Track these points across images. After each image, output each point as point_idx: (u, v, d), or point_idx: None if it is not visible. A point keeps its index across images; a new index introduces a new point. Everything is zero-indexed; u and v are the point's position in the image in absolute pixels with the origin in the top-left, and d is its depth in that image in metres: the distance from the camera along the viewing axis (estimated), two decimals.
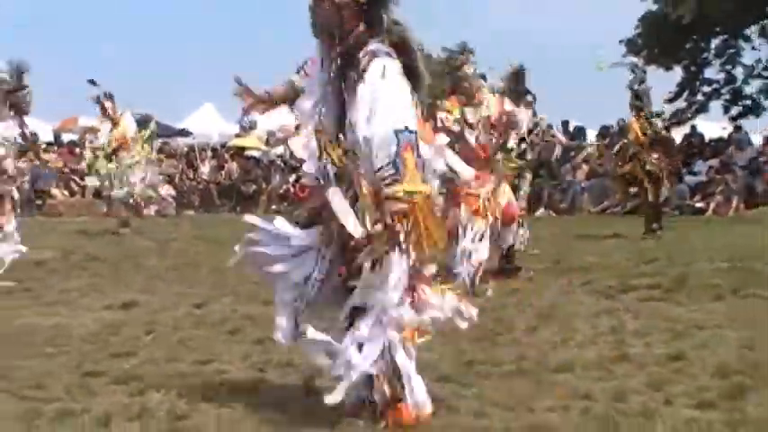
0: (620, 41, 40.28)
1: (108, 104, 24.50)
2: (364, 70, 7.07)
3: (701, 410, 7.35)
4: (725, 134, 36.35)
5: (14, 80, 15.10)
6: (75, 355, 9.65)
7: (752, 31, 38.64)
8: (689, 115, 38.80)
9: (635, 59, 17.85)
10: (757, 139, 35.22)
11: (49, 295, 13.95)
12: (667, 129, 22.20)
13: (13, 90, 15.04)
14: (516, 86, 16.07)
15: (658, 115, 21.31)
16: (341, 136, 7.23)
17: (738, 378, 8.18)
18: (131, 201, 24.01)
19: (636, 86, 18.33)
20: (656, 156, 20.51)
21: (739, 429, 6.86)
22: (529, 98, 16.88)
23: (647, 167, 20.42)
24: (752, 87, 38.80)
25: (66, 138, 38.01)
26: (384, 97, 6.95)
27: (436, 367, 8.81)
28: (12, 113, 15.30)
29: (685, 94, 39.43)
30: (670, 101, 37.00)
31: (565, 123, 35.41)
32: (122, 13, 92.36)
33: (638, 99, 19.50)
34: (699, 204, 29.36)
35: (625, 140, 21.14)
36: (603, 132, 34.87)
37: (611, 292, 12.97)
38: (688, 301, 12.32)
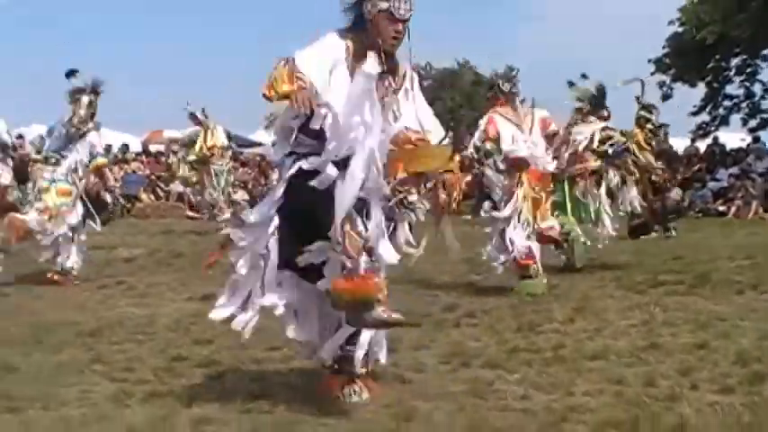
0: (649, 60, 40.14)
1: (201, 116, 24.82)
2: None
3: (723, 394, 7.32)
4: (744, 144, 36.19)
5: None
6: (162, 342, 9.72)
7: None
8: (712, 128, 38.73)
9: (642, 77, 17.33)
10: None
11: (138, 288, 14.03)
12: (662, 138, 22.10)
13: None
14: (597, 102, 16.35)
15: (662, 126, 21.15)
16: None
17: (757, 365, 8.16)
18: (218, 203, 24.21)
19: (644, 99, 18.07)
20: (659, 167, 20.43)
21: (758, 412, 6.78)
22: (605, 113, 16.73)
23: (652, 178, 20.31)
24: None
25: (152, 148, 38.12)
26: None
27: (483, 354, 8.81)
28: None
29: (708, 108, 39.20)
30: (694, 114, 36.94)
31: None
32: (202, 31, 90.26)
33: (647, 110, 19.20)
34: (721, 208, 29.18)
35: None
36: None
37: (640, 287, 12.89)
38: (711, 295, 12.26)
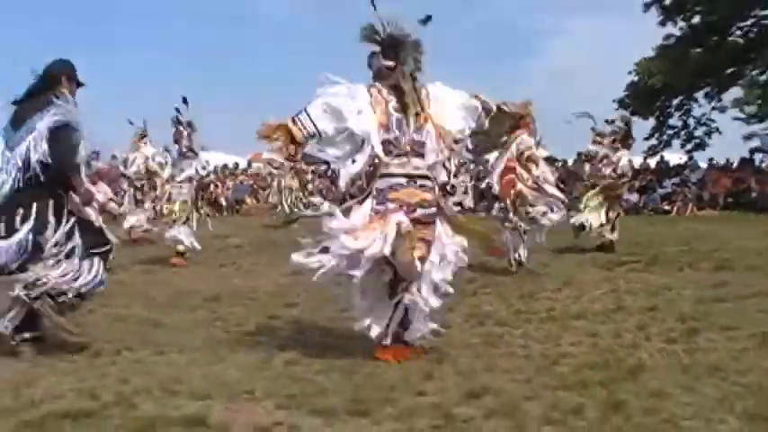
0: (613, 100, 40.37)
1: None
2: None
3: (669, 343, 7.36)
4: (682, 161, 36.44)
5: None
6: (262, 305, 9.75)
7: (699, 94, 38.68)
8: (659, 149, 38.67)
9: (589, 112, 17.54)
10: (703, 165, 35.34)
11: (245, 266, 14.09)
12: None
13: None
14: (627, 131, 16.51)
15: None
16: None
17: (693, 322, 8.21)
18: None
19: (597, 128, 18.21)
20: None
21: (695, 355, 6.85)
22: (630, 141, 16.77)
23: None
24: (699, 131, 38.65)
25: (254, 165, 38.15)
26: None
27: (494, 315, 8.82)
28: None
29: (656, 135, 39.09)
30: (646, 139, 37.05)
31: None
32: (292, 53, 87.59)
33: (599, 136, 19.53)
34: (666, 207, 29.03)
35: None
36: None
37: (609, 265, 12.86)
38: (660, 271, 12.23)
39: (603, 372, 6.33)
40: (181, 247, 14.57)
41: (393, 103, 7.00)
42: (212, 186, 33.20)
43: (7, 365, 6.87)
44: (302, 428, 5.16)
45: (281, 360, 6.93)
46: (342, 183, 7.29)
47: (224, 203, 33.04)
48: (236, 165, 37.41)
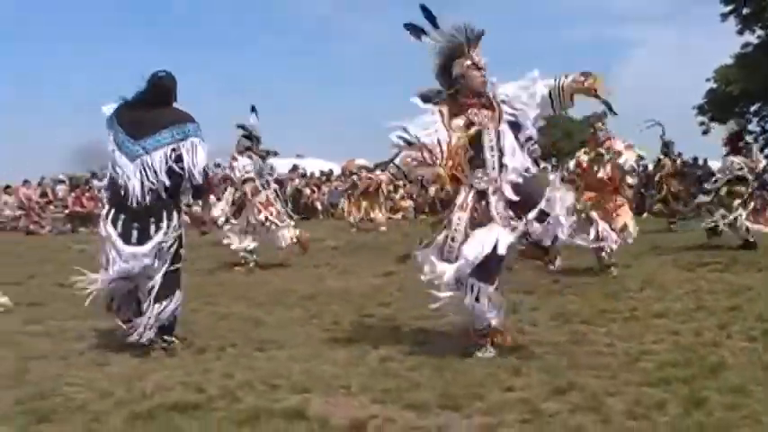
0: (693, 107, 40.03)
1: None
2: None
3: (749, 342, 7.27)
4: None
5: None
6: (356, 304, 9.79)
7: None
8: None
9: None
10: None
11: (339, 267, 14.16)
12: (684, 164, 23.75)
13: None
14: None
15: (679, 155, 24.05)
16: None
17: None
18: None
19: (665, 138, 18.49)
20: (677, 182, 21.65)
21: None
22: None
23: (672, 189, 21.46)
24: None
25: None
26: None
27: (579, 314, 8.75)
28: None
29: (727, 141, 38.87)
30: (725, 144, 36.49)
31: None
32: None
33: (666, 147, 19.62)
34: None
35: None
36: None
37: (690, 266, 12.67)
38: (740, 271, 12.01)
39: (685, 369, 6.26)
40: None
41: None
42: (308, 191, 33.50)
43: (120, 361, 7.03)
44: (396, 422, 5.19)
45: (376, 357, 6.98)
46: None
47: (319, 208, 33.26)
48: (331, 171, 37.61)
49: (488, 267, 6.81)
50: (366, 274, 12.78)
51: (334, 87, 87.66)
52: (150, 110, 7.33)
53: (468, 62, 7.11)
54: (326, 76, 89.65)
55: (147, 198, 7.19)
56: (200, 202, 7.95)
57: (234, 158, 14.65)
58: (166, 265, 7.29)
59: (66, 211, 28.69)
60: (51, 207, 29.65)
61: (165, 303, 7.30)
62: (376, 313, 9.18)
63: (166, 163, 7.18)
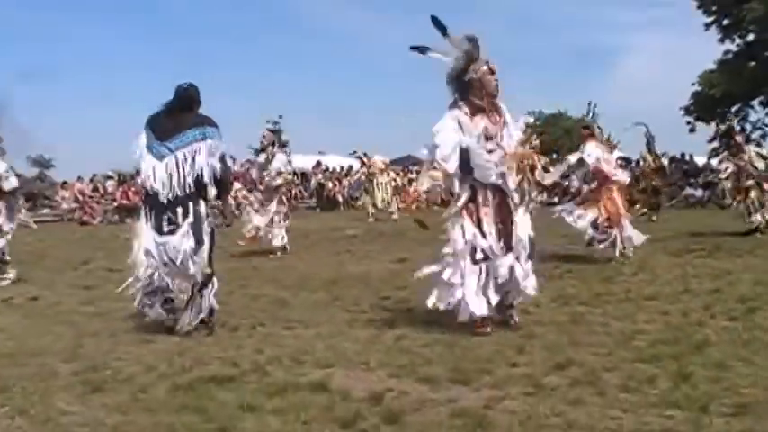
0: (680, 108, 40.12)
1: (364, 159, 26.93)
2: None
3: (731, 321, 7.21)
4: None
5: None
6: (374, 287, 9.77)
7: (755, 102, 38.56)
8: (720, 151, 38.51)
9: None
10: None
11: (358, 254, 14.14)
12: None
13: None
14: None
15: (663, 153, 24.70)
16: None
17: (752, 303, 8.00)
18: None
19: (648, 135, 18.98)
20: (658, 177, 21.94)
21: (753, 331, 6.68)
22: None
23: (653, 183, 21.62)
24: (755, 134, 38.20)
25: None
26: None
27: (577, 296, 8.71)
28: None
29: (717, 139, 38.72)
30: (709, 142, 36.68)
31: None
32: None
33: (649, 144, 20.21)
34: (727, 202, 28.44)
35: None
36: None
37: (678, 253, 12.58)
38: (722, 257, 11.96)
39: (674, 346, 6.19)
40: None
41: None
42: (330, 185, 33.51)
43: (163, 338, 7.05)
44: (411, 394, 5.14)
45: (392, 335, 6.94)
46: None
47: (340, 200, 33.25)
48: (351, 167, 37.57)
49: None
50: (383, 260, 12.76)
51: (354, 88, 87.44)
52: (177, 116, 7.47)
53: (485, 67, 7.12)
54: (346, 77, 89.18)
55: (174, 192, 7.27)
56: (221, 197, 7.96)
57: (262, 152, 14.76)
58: (204, 256, 7.33)
59: (115, 204, 28.84)
60: (102, 200, 29.77)
61: (204, 293, 7.41)
62: (392, 296, 9.12)
63: (189, 161, 7.28)
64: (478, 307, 6.91)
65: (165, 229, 7.27)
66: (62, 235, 21.43)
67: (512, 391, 5.14)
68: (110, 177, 31.58)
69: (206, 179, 7.33)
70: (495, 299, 7.04)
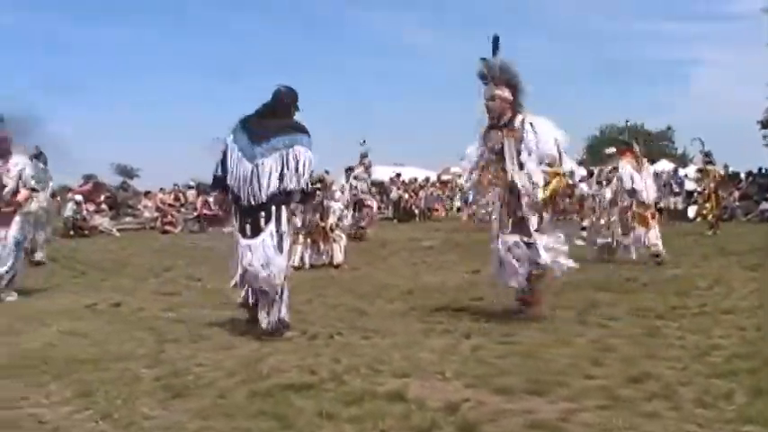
0: (757, 122, 39.65)
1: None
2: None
3: None
4: None
5: None
6: (449, 298, 9.77)
7: None
8: None
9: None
10: None
11: (434, 264, 14.17)
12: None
13: None
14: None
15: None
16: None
17: None
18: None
19: (704, 150, 19.60)
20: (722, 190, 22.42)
21: None
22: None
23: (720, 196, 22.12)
24: None
25: (443, 177, 38.08)
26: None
27: (654, 309, 8.61)
28: None
29: None
30: None
31: None
32: None
33: (708, 156, 20.77)
34: None
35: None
36: None
37: (754, 267, 12.39)
38: None
39: (750, 361, 6.10)
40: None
41: None
42: (407, 196, 33.54)
43: (242, 345, 7.16)
44: (487, 405, 5.15)
45: (468, 345, 6.95)
46: None
47: (416, 211, 33.24)
48: (428, 178, 37.57)
49: None
50: (459, 271, 12.76)
51: (429, 101, 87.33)
52: (271, 119, 7.58)
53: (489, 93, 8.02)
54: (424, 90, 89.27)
55: (260, 196, 7.40)
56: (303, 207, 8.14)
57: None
58: (285, 259, 7.54)
59: (195, 213, 29.19)
60: (183, 210, 30.21)
61: (284, 295, 7.60)
62: (468, 306, 9.10)
63: (278, 166, 7.38)
64: None
65: (249, 232, 7.45)
66: (144, 243, 21.79)
67: (587, 403, 5.12)
68: (190, 187, 32.04)
69: (292, 185, 7.43)
70: None
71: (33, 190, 10.67)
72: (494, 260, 8.38)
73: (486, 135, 8.18)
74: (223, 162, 7.66)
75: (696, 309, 8.67)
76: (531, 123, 7.96)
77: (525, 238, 7.98)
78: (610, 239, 14.13)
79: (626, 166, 13.91)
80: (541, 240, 7.96)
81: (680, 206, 28.50)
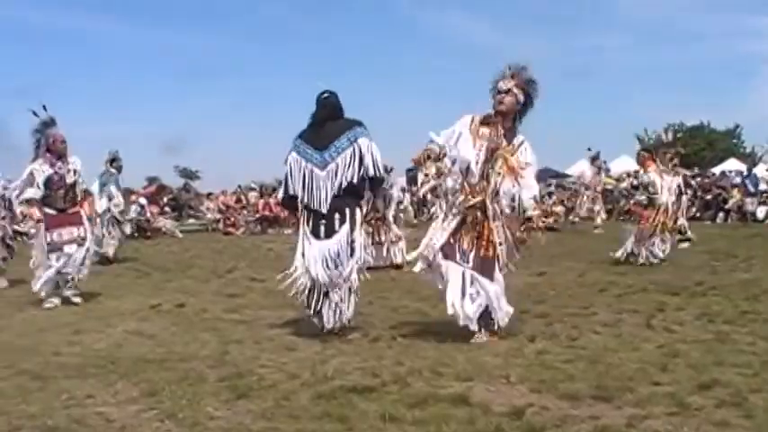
0: None
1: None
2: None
3: None
4: None
5: None
6: (513, 301, 9.49)
7: None
8: None
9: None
10: None
11: None
12: None
13: None
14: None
15: None
16: None
17: None
18: None
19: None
20: None
21: None
22: None
23: None
24: None
25: None
26: None
27: (722, 314, 8.46)
28: None
29: None
30: None
31: None
32: None
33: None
34: None
35: None
36: None
37: None
38: None
39: None
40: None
41: None
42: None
43: (305, 347, 7.20)
44: (551, 410, 5.10)
45: (533, 349, 6.90)
46: None
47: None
48: None
49: None
50: (522, 273, 12.58)
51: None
52: (325, 125, 7.70)
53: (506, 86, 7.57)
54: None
55: (332, 199, 7.52)
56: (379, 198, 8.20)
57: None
58: (358, 260, 7.64)
59: (257, 215, 29.41)
60: (244, 211, 30.45)
61: (352, 297, 7.72)
62: (532, 309, 9.04)
63: (348, 166, 7.51)
64: None
65: (323, 234, 7.54)
66: (207, 244, 22.02)
67: (655, 410, 5.04)
68: (252, 189, 32.29)
69: (371, 173, 7.56)
70: None
71: (86, 192, 10.86)
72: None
73: (480, 131, 7.49)
74: (286, 182, 7.83)
75: (766, 314, 8.48)
76: (527, 149, 7.58)
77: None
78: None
79: (650, 173, 14.14)
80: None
81: (755, 207, 27.57)
